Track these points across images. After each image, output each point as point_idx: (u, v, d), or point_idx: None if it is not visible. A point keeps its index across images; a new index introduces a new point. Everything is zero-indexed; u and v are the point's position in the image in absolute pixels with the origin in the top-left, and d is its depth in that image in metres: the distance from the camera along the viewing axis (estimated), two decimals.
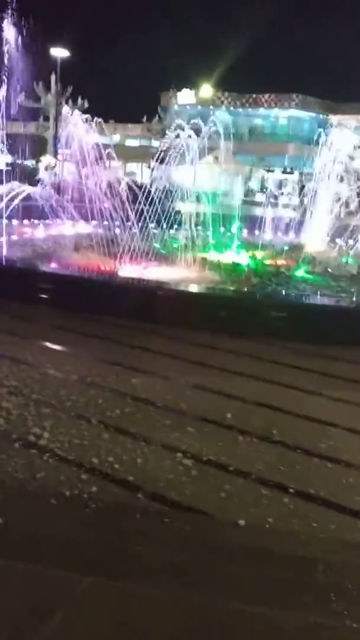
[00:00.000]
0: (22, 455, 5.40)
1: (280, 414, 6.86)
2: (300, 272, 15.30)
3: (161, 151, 20.82)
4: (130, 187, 18.44)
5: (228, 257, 16.58)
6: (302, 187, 46.15)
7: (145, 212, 17.41)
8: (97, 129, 18.90)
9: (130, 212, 18.74)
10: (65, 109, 21.74)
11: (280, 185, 56.92)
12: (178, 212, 18.29)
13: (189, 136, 18.47)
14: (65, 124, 20.22)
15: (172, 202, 18.91)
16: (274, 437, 6.19)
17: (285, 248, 18.68)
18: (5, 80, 19.23)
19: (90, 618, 2.87)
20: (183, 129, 18.51)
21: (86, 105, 52.57)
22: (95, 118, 17.93)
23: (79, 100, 52.56)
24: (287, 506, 4.91)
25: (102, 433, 5.97)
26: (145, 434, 5.99)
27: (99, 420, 6.26)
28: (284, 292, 12.60)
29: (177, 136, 18.55)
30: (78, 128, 18.27)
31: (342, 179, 22.06)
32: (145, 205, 17.90)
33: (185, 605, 3.07)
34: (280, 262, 16.84)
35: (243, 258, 16.85)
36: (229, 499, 4.94)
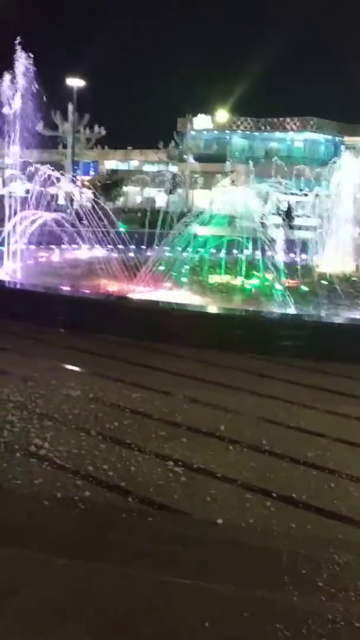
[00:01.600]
0: (22, 463, 5.77)
1: (271, 425, 7.17)
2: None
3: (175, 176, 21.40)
4: (145, 212, 18.95)
5: (239, 279, 16.95)
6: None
7: (160, 236, 17.86)
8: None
9: (144, 237, 19.19)
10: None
11: (295, 207, 57.18)
12: (194, 236, 18.68)
13: None
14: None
15: (188, 225, 19.31)
16: (263, 446, 6.50)
17: (297, 268, 18.97)
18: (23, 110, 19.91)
19: (58, 592, 3.22)
20: None
21: (103, 132, 53.72)
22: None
23: (96, 128, 53.63)
24: (268, 508, 5.21)
25: (100, 443, 6.32)
26: (140, 444, 6.34)
27: (98, 431, 6.62)
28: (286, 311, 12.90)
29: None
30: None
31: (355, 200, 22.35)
32: (160, 229, 18.35)
33: (148, 582, 3.41)
34: (292, 282, 17.14)
35: (254, 280, 17.19)
36: (213, 502, 5.26)
